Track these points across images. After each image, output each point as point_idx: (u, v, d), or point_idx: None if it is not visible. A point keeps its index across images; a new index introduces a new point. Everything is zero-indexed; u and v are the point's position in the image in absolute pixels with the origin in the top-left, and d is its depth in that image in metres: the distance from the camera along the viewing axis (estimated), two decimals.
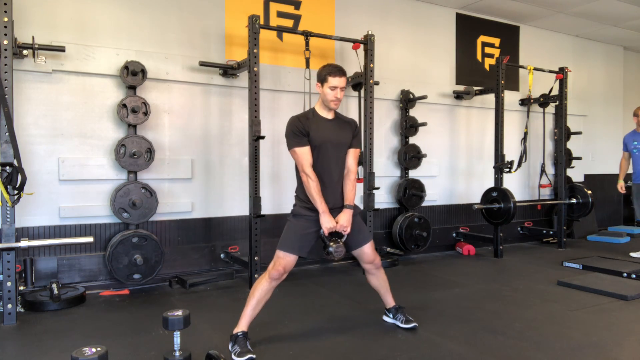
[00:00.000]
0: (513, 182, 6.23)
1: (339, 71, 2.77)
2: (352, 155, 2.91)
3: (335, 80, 2.75)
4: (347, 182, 2.89)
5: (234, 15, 4.59)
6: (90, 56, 3.99)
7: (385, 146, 5.50)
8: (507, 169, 5.50)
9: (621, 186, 5.53)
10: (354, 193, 2.90)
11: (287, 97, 4.87)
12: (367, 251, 2.95)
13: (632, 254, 5.42)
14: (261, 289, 2.72)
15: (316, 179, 2.73)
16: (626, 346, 2.82)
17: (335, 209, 2.82)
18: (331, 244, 2.70)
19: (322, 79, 2.79)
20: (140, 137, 4.04)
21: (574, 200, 6.17)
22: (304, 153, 2.74)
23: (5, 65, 3.15)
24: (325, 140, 2.78)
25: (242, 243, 4.58)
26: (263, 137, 4.02)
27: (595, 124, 7.35)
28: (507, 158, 5.54)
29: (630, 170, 5.66)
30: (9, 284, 3.17)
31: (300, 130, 2.73)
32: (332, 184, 2.83)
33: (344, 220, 2.78)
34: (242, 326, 2.68)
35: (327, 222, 2.73)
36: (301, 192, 2.83)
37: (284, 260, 2.74)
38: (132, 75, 3.99)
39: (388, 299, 3.15)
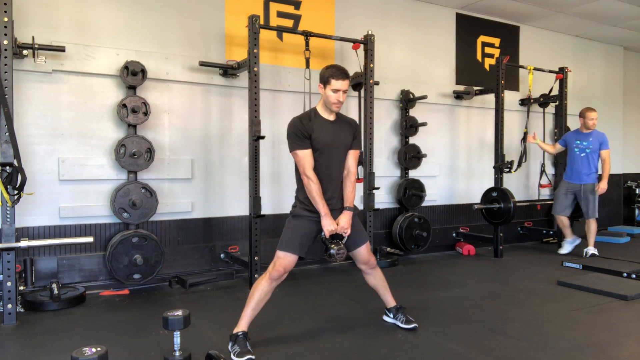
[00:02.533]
0: (513, 182, 6.23)
1: (342, 74, 2.73)
2: (352, 157, 2.90)
3: (338, 83, 2.71)
4: (347, 183, 2.88)
5: (234, 15, 4.59)
6: (90, 56, 3.99)
7: (385, 146, 5.50)
8: (507, 169, 5.50)
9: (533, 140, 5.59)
10: (354, 195, 2.90)
11: (287, 97, 4.86)
12: (362, 252, 2.96)
13: (560, 251, 5.59)
14: (261, 289, 2.72)
15: (317, 181, 2.73)
16: (626, 346, 2.82)
17: (335, 210, 2.82)
18: (332, 246, 2.71)
19: (324, 81, 2.75)
20: (140, 137, 4.04)
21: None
22: (306, 156, 2.73)
23: (5, 65, 3.15)
24: (327, 142, 2.78)
25: (242, 243, 4.58)
26: (263, 137, 4.02)
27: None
28: (507, 158, 5.54)
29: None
30: (9, 284, 3.17)
31: (303, 132, 2.72)
32: (332, 185, 2.84)
33: (345, 222, 2.78)
34: (242, 326, 2.68)
35: (328, 225, 2.73)
36: (301, 193, 2.83)
37: (284, 261, 2.74)
38: (132, 75, 3.98)
39: (388, 298, 3.15)
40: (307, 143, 2.74)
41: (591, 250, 5.40)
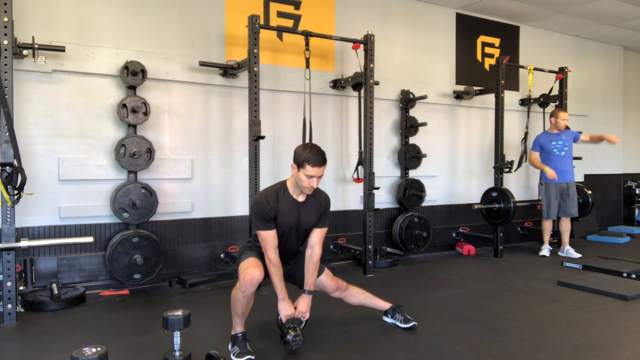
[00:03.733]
0: (513, 182, 6.24)
1: (319, 160, 2.57)
2: (317, 235, 2.78)
3: (313, 170, 2.56)
4: (309, 265, 2.76)
5: (234, 15, 4.59)
6: (90, 56, 3.99)
7: (385, 146, 5.50)
8: (507, 169, 5.50)
9: (551, 173, 5.38)
10: (314, 277, 2.78)
11: (287, 97, 4.86)
12: (325, 282, 2.94)
13: (541, 253, 5.54)
14: (236, 298, 2.63)
15: (279, 264, 2.66)
16: (626, 346, 2.82)
17: (295, 267, 2.84)
18: (290, 331, 2.59)
19: (298, 163, 2.59)
20: (140, 137, 4.03)
21: None
22: (269, 237, 2.64)
23: (5, 65, 3.16)
24: (292, 225, 2.72)
25: (242, 243, 4.55)
26: (263, 137, 4.02)
27: (595, 124, 7.33)
28: (507, 158, 5.54)
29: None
30: (9, 284, 3.17)
31: (268, 214, 2.62)
32: (292, 251, 2.85)
33: (303, 307, 2.71)
34: (239, 327, 2.67)
35: (284, 310, 2.66)
36: (258, 244, 2.76)
37: (247, 269, 2.64)
38: (132, 75, 3.98)
39: (378, 304, 3.15)
40: (272, 224, 2.64)
41: (572, 250, 5.45)
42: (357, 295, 3.09)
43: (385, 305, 3.14)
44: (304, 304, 2.73)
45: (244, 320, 2.69)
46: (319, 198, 2.80)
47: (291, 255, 2.88)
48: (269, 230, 2.64)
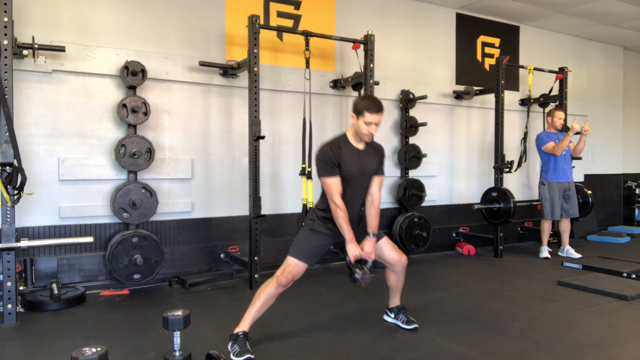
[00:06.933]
0: (513, 182, 6.23)
1: (377, 107, 2.74)
2: (376, 183, 2.94)
3: (372, 117, 2.73)
4: (372, 210, 2.92)
5: (234, 15, 4.59)
6: (90, 56, 3.99)
7: (385, 146, 5.42)
8: (507, 169, 5.50)
9: (576, 126, 5.22)
10: (377, 220, 2.93)
11: (287, 97, 4.86)
12: (387, 252, 2.98)
13: (541, 255, 5.49)
14: (267, 292, 2.73)
15: (345, 208, 2.76)
16: (626, 346, 2.82)
17: (357, 234, 2.86)
18: (357, 270, 2.72)
19: (358, 112, 2.76)
20: (140, 137, 4.04)
21: None
22: (334, 183, 2.76)
23: (5, 65, 3.15)
24: (355, 172, 2.82)
25: (242, 243, 4.58)
26: (263, 137, 4.02)
27: (595, 124, 7.30)
28: (507, 158, 5.54)
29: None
30: (9, 284, 3.17)
31: (332, 160, 2.75)
32: (356, 209, 2.90)
33: (369, 247, 2.83)
34: (243, 326, 2.68)
35: (353, 250, 2.77)
36: (322, 207, 2.86)
37: (294, 269, 2.77)
38: (132, 75, 3.98)
39: (396, 298, 3.17)
40: (336, 170, 2.76)
41: (572, 250, 5.44)
42: (399, 281, 3.11)
43: (397, 302, 3.16)
44: (370, 245, 2.83)
45: (255, 318, 2.72)
46: (376, 146, 2.98)
47: (356, 214, 2.90)
48: (333, 177, 2.75)
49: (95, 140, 4.05)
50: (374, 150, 2.95)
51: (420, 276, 4.61)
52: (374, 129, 2.77)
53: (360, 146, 2.86)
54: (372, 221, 2.90)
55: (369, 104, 2.74)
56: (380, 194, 2.98)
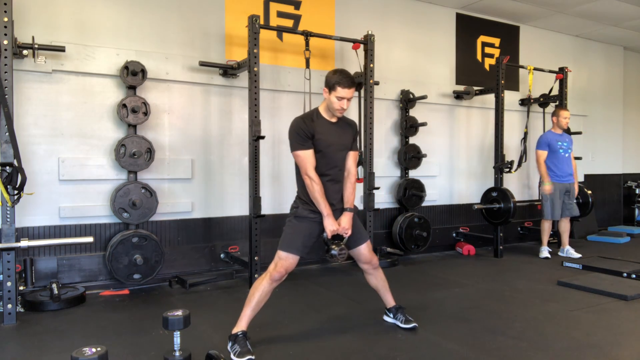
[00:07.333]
0: (513, 182, 6.23)
1: (349, 82, 2.71)
2: (352, 158, 2.92)
3: (344, 92, 2.70)
4: (348, 184, 2.90)
5: (234, 15, 4.59)
6: (90, 56, 3.99)
7: (385, 146, 5.50)
8: (507, 169, 5.50)
9: (549, 188, 5.33)
10: (354, 196, 2.92)
11: (287, 97, 4.86)
12: (364, 252, 2.97)
13: (541, 255, 5.47)
14: (262, 289, 2.72)
15: (319, 181, 2.74)
16: (626, 346, 2.82)
17: (336, 211, 2.83)
18: (334, 246, 2.73)
19: (330, 86, 2.73)
20: (140, 137, 4.03)
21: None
22: (308, 156, 2.74)
23: (5, 65, 3.15)
24: (329, 144, 2.79)
25: (242, 243, 4.58)
26: (263, 137, 4.02)
27: (595, 124, 7.34)
28: (507, 158, 5.54)
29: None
30: (9, 284, 3.17)
31: (305, 132, 2.72)
32: (333, 185, 2.85)
33: (346, 223, 2.80)
34: (241, 326, 2.68)
35: (330, 225, 2.74)
36: (303, 193, 2.83)
37: (286, 262, 2.75)
38: (132, 75, 3.98)
39: (388, 298, 3.15)
40: (309, 143, 2.74)
41: (572, 250, 5.44)
42: (379, 280, 3.10)
43: (392, 302, 3.15)
44: (346, 220, 2.81)
45: (252, 317, 2.71)
46: (349, 121, 2.96)
47: (332, 187, 2.84)
48: (307, 149, 2.73)
49: (95, 140, 4.05)
50: (347, 125, 2.92)
51: (420, 276, 4.61)
52: (346, 104, 2.75)
53: (333, 119, 2.84)
54: (348, 196, 2.88)
55: (341, 78, 2.70)
56: (356, 170, 2.98)
